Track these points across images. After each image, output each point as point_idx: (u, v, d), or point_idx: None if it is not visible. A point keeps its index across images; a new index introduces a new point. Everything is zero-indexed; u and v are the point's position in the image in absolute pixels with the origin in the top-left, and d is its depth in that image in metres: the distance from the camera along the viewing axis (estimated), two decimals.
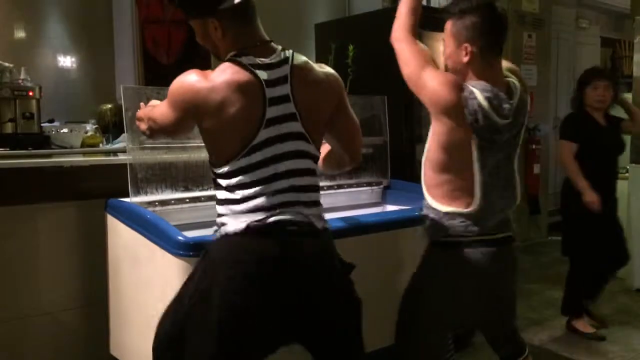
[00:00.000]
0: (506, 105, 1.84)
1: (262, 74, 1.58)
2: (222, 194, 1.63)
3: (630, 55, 7.11)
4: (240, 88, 1.55)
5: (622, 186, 4.64)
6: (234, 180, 1.59)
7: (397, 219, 2.64)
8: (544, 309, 4.10)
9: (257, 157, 1.57)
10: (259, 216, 1.56)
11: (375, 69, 3.66)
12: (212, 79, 1.56)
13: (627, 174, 4.58)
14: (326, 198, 2.85)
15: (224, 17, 1.61)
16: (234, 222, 1.58)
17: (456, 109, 1.80)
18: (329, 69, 1.76)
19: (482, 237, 1.89)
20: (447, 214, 1.89)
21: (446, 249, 1.93)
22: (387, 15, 4.04)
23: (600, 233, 3.39)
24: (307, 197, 1.65)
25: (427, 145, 1.96)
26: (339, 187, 3.01)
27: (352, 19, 4.90)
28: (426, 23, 3.63)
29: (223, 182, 1.61)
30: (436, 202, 1.92)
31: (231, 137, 1.58)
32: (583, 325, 3.53)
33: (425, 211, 1.98)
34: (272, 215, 1.56)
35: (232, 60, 1.60)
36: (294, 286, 1.59)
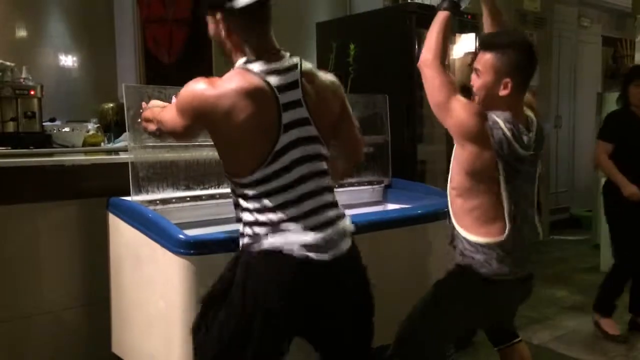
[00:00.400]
0: (525, 137, 1.90)
1: (273, 80, 1.59)
2: (249, 204, 1.63)
3: (631, 54, 7.09)
4: (249, 94, 1.56)
5: None
6: (262, 189, 1.60)
7: (399, 217, 2.64)
8: (544, 308, 4.10)
9: (283, 162, 1.59)
10: (296, 233, 1.59)
11: (377, 68, 3.67)
12: (220, 85, 1.58)
13: None
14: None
15: (231, 16, 1.62)
16: (270, 236, 1.59)
17: (482, 136, 1.85)
18: (331, 76, 1.80)
19: (515, 277, 1.95)
20: (481, 246, 1.91)
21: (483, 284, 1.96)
22: (389, 14, 4.08)
23: None
24: (332, 197, 1.71)
25: (450, 175, 2.00)
26: (341, 185, 3.01)
27: (353, 17, 4.90)
28: (429, 22, 3.65)
29: (249, 192, 1.62)
30: (466, 232, 1.94)
31: (251, 145, 1.59)
32: (609, 325, 3.49)
33: (456, 242, 2.00)
34: (309, 230, 1.60)
35: (241, 68, 1.62)
36: (327, 290, 1.64)
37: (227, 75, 1.61)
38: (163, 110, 1.76)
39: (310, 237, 1.59)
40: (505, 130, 1.85)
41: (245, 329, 1.59)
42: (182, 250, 1.91)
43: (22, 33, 4.36)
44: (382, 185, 3.22)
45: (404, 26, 3.59)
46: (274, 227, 1.59)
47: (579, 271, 5.16)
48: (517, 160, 1.88)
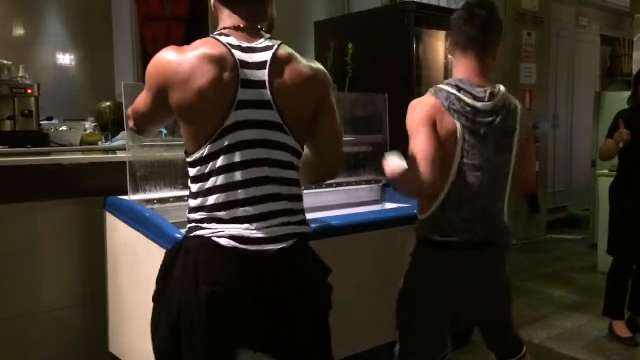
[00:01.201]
0: (479, 92, 1.89)
1: (238, 54, 1.52)
2: (192, 186, 1.55)
3: (629, 53, 7.11)
4: (211, 61, 1.49)
5: None
6: (204, 169, 1.51)
7: (396, 217, 2.64)
8: (543, 307, 4.10)
9: (229, 140, 1.49)
10: (237, 226, 1.49)
11: (375, 67, 3.66)
12: (184, 51, 1.53)
13: None
14: (325, 196, 2.87)
15: None
16: (209, 224, 1.50)
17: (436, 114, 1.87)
18: (318, 65, 1.66)
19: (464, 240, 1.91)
20: (427, 220, 1.95)
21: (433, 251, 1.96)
22: (387, 13, 4.08)
23: None
24: (287, 190, 1.57)
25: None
26: (338, 185, 3.01)
27: (351, 16, 4.90)
28: (427, 21, 3.65)
29: (192, 172, 1.54)
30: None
31: (203, 117, 1.50)
32: (621, 328, 3.48)
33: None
34: (250, 223, 1.50)
35: (211, 37, 1.57)
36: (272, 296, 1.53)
37: (195, 43, 1.56)
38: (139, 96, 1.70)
39: (242, 227, 1.50)
40: (449, 88, 1.88)
41: (175, 337, 1.52)
42: None
43: (19, 32, 4.35)
44: (380, 184, 3.21)
45: (402, 25, 3.59)
46: (209, 213, 1.51)
47: (576, 270, 5.17)
48: (474, 115, 1.87)
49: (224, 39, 1.55)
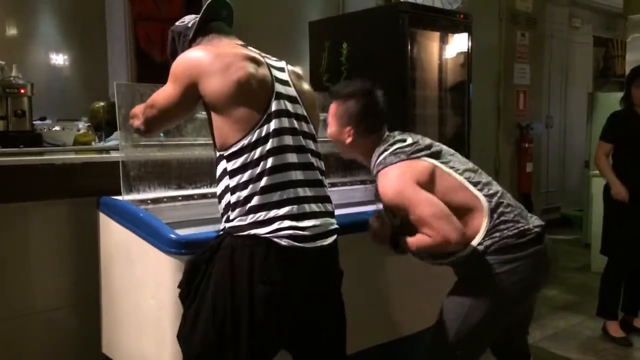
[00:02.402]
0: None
1: (265, 58, 1.69)
2: (238, 177, 1.56)
3: (622, 54, 7.15)
4: (248, 58, 1.61)
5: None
6: (252, 155, 1.54)
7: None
8: (536, 307, 4.11)
9: (272, 125, 1.58)
10: (290, 209, 1.55)
11: (370, 67, 3.66)
12: (219, 47, 1.66)
13: None
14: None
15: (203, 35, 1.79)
16: (265, 219, 1.53)
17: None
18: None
19: None
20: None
21: None
22: (381, 14, 4.08)
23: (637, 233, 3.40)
24: (324, 180, 1.73)
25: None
26: (333, 185, 3.00)
27: (346, 17, 4.89)
28: (421, 22, 3.66)
29: (234, 163, 1.55)
30: None
31: (246, 105, 1.56)
32: (614, 328, 3.50)
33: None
34: (301, 215, 1.57)
35: (235, 43, 1.72)
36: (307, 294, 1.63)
37: (221, 43, 1.71)
38: (153, 95, 1.73)
39: (298, 218, 1.56)
40: (390, 149, 1.98)
41: (228, 328, 1.54)
42: (173, 250, 1.90)
43: (12, 31, 4.33)
44: (375, 184, 3.21)
45: (397, 25, 3.59)
46: (260, 196, 1.53)
47: (569, 270, 5.19)
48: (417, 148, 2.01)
49: (248, 47, 1.72)
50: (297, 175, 1.59)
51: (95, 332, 2.46)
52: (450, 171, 1.94)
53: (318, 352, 1.71)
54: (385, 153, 1.99)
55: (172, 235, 1.93)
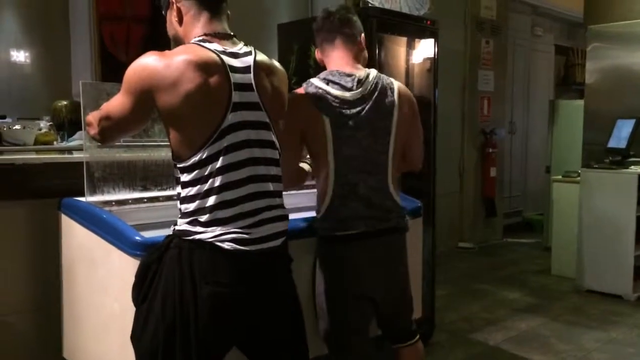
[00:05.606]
0: (349, 81, 2.00)
1: (227, 59, 1.58)
2: (186, 190, 1.58)
3: (582, 63, 7.35)
4: (200, 67, 1.51)
5: (574, 189, 4.81)
6: (202, 171, 1.54)
7: None
8: (497, 309, 4.19)
9: (225, 142, 1.54)
10: (238, 223, 1.56)
11: None
12: (169, 56, 1.53)
13: (578, 178, 4.73)
14: (298, 197, 2.85)
15: (190, 4, 1.65)
16: (209, 227, 1.54)
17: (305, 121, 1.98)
18: (278, 64, 1.81)
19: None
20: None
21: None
22: None
23: None
24: (277, 186, 1.68)
25: None
26: (313, 187, 3.00)
27: (314, 19, 4.90)
28: (389, 27, 3.69)
29: (187, 176, 1.56)
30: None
31: (196, 121, 1.53)
32: None
33: None
34: (250, 225, 1.57)
35: (194, 42, 1.60)
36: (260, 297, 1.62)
37: (178, 48, 1.59)
38: (105, 104, 1.68)
39: (242, 227, 1.57)
40: (318, 83, 2.00)
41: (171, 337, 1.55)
42: (138, 252, 1.87)
43: None
44: None
45: (365, 30, 3.61)
46: (209, 214, 1.54)
47: (530, 273, 5.31)
48: (344, 107, 1.96)
49: (208, 45, 1.59)
50: (249, 189, 1.59)
51: (56, 336, 2.41)
52: None
53: (273, 354, 1.71)
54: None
55: (138, 238, 1.90)
